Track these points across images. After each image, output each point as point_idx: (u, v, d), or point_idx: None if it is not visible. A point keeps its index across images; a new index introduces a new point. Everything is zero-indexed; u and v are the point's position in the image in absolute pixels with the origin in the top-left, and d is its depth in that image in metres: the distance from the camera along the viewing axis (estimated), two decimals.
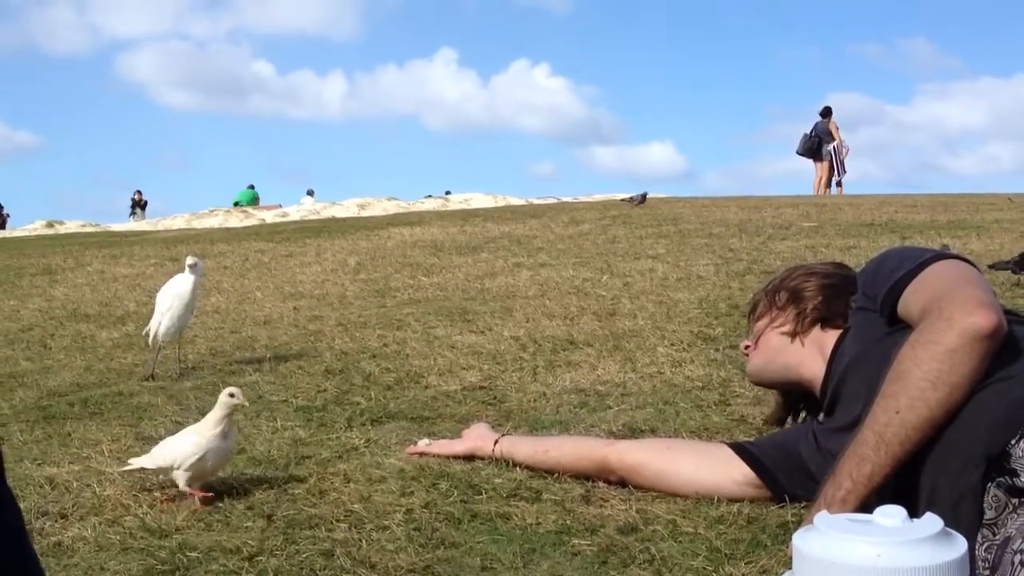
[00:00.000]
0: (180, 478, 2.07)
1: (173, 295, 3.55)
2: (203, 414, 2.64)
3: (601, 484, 2.03)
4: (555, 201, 16.11)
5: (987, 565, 1.30)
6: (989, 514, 1.36)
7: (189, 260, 3.60)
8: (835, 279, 1.99)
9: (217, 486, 2.11)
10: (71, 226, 17.21)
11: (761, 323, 2.04)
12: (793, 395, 2.09)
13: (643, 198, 10.60)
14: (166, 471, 2.10)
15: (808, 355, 1.93)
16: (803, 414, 2.05)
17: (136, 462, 2.17)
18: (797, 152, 15.51)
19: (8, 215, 23.45)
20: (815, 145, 15.13)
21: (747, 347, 2.10)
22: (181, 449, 2.07)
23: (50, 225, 17.59)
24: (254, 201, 20.95)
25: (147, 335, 3.62)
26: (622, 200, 10.95)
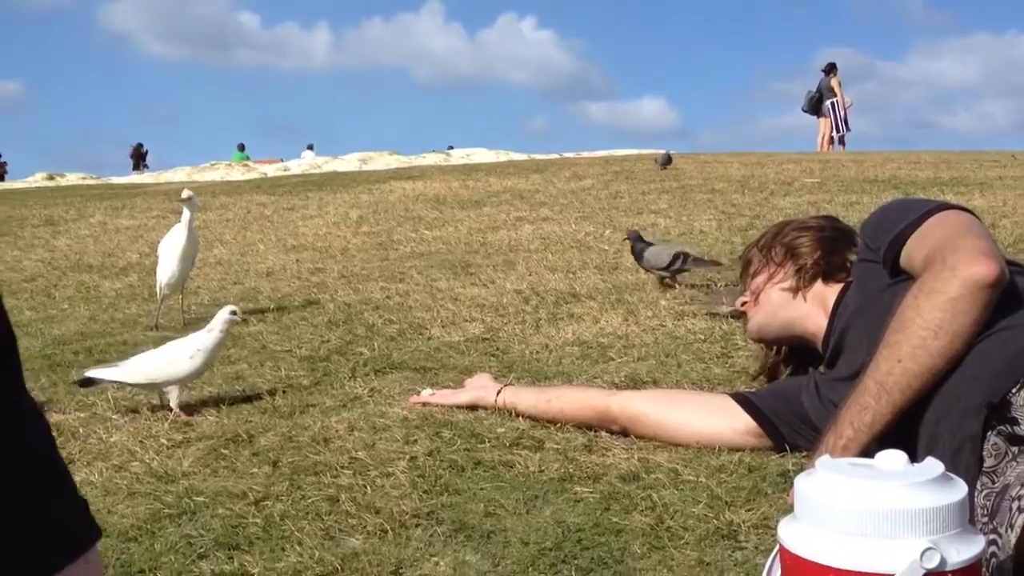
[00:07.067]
0: None
1: (172, 242, 3.58)
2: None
3: (603, 434, 2.04)
4: (557, 157, 16.01)
5: (985, 512, 1.31)
6: (988, 462, 1.37)
7: (184, 193, 3.58)
8: (830, 232, 2.00)
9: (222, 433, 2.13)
10: (72, 179, 17.15)
11: (759, 279, 2.03)
12: (791, 351, 2.10)
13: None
14: None
15: (811, 310, 1.93)
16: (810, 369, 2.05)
17: None
18: (802, 109, 15.41)
19: (6, 163, 23.37)
20: (817, 101, 15.01)
21: (743, 303, 2.10)
22: None
23: (51, 177, 17.50)
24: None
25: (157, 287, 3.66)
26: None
